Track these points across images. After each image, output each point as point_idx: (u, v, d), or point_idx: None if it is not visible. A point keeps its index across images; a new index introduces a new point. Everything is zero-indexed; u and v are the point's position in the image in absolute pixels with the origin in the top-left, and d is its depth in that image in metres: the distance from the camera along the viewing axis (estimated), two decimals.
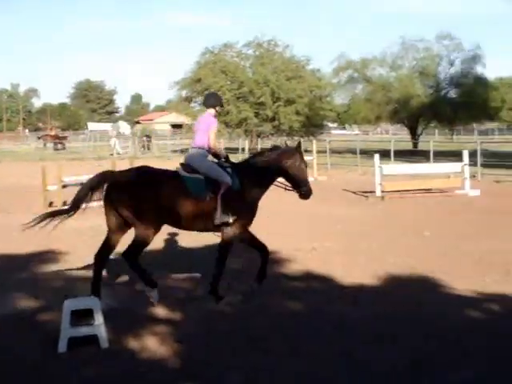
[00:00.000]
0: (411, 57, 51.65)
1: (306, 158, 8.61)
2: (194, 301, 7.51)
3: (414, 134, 52.33)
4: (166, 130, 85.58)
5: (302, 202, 8.07)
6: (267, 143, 50.78)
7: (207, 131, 7.87)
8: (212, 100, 8.20)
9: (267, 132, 50.80)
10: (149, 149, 54.18)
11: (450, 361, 5.61)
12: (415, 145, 48.64)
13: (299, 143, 8.24)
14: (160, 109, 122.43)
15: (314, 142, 29.03)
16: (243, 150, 38.06)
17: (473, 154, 23.55)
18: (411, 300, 7.61)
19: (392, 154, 30.07)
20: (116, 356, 5.80)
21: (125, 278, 8.58)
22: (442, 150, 34.03)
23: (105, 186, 7.31)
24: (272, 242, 8.81)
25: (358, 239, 11.83)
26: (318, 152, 29.06)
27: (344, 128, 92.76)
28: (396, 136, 69.50)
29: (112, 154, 45.84)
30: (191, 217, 7.42)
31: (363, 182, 22.44)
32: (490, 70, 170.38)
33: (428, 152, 28.21)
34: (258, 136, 49.68)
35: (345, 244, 11.28)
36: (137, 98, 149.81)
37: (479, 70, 51.59)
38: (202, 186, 7.45)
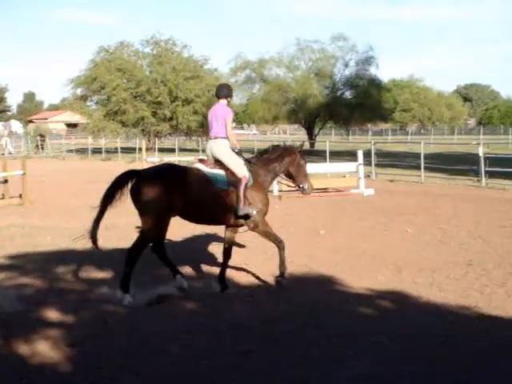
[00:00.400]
0: (307, 58, 52.86)
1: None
2: (87, 303, 7.30)
3: (311, 134, 53.51)
4: (61, 130, 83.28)
5: None
6: (165, 143, 50.50)
7: (224, 120, 8.16)
8: (225, 91, 8.49)
9: (165, 132, 50.42)
10: (42, 148, 52.50)
11: (340, 358, 5.67)
12: (312, 145, 49.68)
13: (302, 144, 8.69)
14: (54, 108, 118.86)
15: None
16: (140, 149, 37.53)
17: (367, 154, 24.30)
18: (306, 298, 7.71)
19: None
20: (4, 362, 5.54)
21: (17, 280, 8.24)
22: (338, 150, 34.89)
23: (131, 182, 7.42)
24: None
25: (253, 239, 11.83)
26: None
27: (242, 128, 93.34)
28: (293, 136, 70.60)
29: (3, 154, 44.14)
30: (216, 210, 7.79)
31: None
32: (384, 72, 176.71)
33: (324, 152, 28.77)
34: (156, 136, 49.20)
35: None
36: (30, 97, 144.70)
37: (373, 71, 53.68)
38: (224, 180, 7.81)
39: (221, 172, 7.87)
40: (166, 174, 7.56)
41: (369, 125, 66.97)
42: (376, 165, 25.52)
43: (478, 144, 22.36)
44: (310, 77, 51.51)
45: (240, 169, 7.90)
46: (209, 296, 7.75)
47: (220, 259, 8.53)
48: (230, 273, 8.66)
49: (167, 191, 7.34)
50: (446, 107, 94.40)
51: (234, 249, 8.63)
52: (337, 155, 30.99)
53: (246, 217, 7.90)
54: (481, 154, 21.27)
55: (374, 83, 53.56)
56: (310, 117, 53.04)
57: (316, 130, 55.56)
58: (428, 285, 8.39)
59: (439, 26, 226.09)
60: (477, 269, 9.21)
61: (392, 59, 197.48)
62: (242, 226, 8.11)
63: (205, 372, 5.37)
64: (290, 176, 8.45)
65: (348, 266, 9.56)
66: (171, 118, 48.79)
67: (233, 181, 7.83)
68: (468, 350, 5.82)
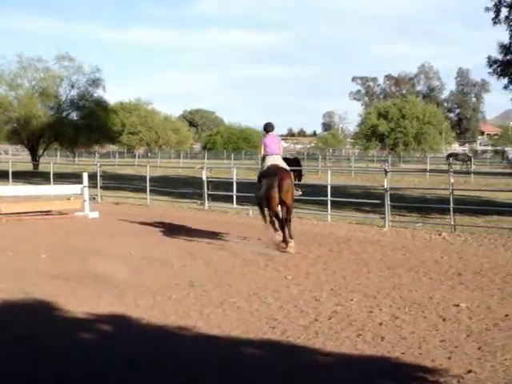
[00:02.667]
0: (31, 76, 50.95)
1: None
2: None
3: (35, 156, 51.64)
4: None
5: None
6: None
7: (278, 144, 14.43)
8: (273, 126, 14.60)
9: None
10: None
11: None
12: (36, 166, 47.86)
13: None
14: None
15: None
16: None
17: (93, 177, 24.03)
18: (21, 327, 7.34)
19: (10, 175, 29.06)
20: None
21: None
22: (63, 172, 34.05)
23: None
24: None
25: None
26: None
27: None
28: (16, 157, 67.37)
29: None
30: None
31: None
32: (112, 95, 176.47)
33: (49, 174, 27.89)
34: None
35: None
36: None
37: (100, 93, 53.46)
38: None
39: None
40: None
41: (96, 147, 66.47)
42: (102, 187, 25.34)
43: (202, 168, 23.30)
44: (34, 96, 49.71)
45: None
46: None
47: None
48: None
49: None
50: (172, 131, 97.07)
51: None
52: (62, 177, 30.19)
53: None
54: (204, 177, 22.20)
55: (101, 105, 53.60)
56: (34, 137, 51.17)
57: (40, 151, 53.72)
58: (150, 307, 8.47)
59: (167, 50, 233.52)
60: (197, 290, 9.52)
61: (121, 82, 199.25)
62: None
63: None
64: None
65: (69, 290, 9.30)
66: None
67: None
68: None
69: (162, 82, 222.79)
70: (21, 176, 33.52)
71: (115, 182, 29.11)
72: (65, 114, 52.89)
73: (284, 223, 13.46)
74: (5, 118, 49.85)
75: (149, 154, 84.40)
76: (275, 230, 13.98)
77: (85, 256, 12.25)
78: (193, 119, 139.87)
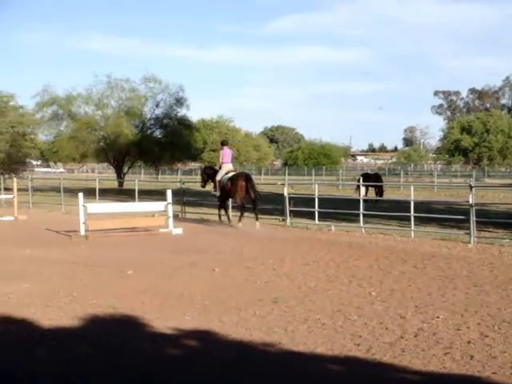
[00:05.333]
0: (117, 96, 52.35)
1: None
2: None
3: (120, 173, 52.97)
4: None
5: None
6: None
7: (230, 156, 21.72)
8: (227, 142, 22.89)
9: None
10: None
11: None
12: (121, 184, 49.20)
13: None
14: None
15: (15, 179, 27.65)
16: None
17: (177, 194, 24.49)
18: (112, 339, 7.53)
19: (97, 192, 29.95)
20: None
21: None
22: (147, 189, 34.85)
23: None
24: None
25: (57, 280, 11.49)
26: (20, 190, 27.91)
27: (49, 166, 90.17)
28: (102, 175, 69.36)
29: None
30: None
31: (67, 221, 22.02)
32: (193, 112, 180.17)
33: (134, 191, 28.62)
34: None
35: (44, 286, 10.86)
36: None
37: (183, 111, 54.49)
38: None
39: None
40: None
41: (178, 164, 67.62)
42: (185, 203, 25.78)
43: (283, 184, 23.38)
44: (120, 115, 51.07)
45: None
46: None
47: None
48: (31, 317, 8.33)
49: None
50: (253, 148, 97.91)
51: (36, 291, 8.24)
52: (146, 194, 30.93)
53: None
54: (285, 193, 22.25)
55: (185, 123, 54.52)
56: (120, 155, 52.43)
57: (125, 169, 55.11)
58: (234, 323, 8.54)
59: (246, 68, 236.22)
60: (281, 306, 9.54)
61: (202, 99, 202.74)
62: None
63: None
64: None
65: (155, 306, 9.49)
66: None
67: None
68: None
69: (243, 99, 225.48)
70: (107, 193, 34.51)
71: (198, 199, 29.55)
72: (149, 132, 54.08)
73: (246, 211, 21.53)
74: (92, 137, 51.41)
75: None
76: (228, 220, 21.77)
77: (169, 272, 12.49)
78: (273, 136, 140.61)
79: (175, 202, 22.53)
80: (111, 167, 60.38)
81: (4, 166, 47.85)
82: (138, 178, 30.38)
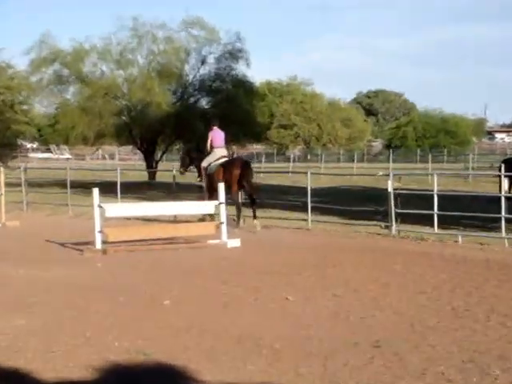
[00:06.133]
0: (147, 49, 52.28)
1: None
2: None
3: (151, 161, 52.99)
4: None
5: None
6: None
7: (222, 138, 24.76)
8: (217, 120, 25.56)
9: None
10: None
11: None
12: (152, 175, 49.37)
13: None
14: None
15: (1, 169, 27.62)
16: None
17: None
18: None
19: (119, 187, 30.14)
20: None
21: None
22: (189, 183, 34.86)
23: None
24: None
25: (64, 312, 11.66)
26: (9, 185, 28.53)
27: (49, 150, 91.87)
28: (125, 163, 70.03)
29: None
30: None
31: (76, 228, 22.48)
32: (255, 72, 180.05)
33: (170, 185, 28.78)
34: None
35: (45, 321, 11.04)
36: None
37: (241, 70, 53.74)
38: None
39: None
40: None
41: (234, 147, 67.61)
42: (244, 204, 25.83)
43: (386, 175, 23.17)
44: (151, 76, 50.86)
45: None
46: None
47: None
48: (27, 367, 8.47)
49: None
50: (341, 123, 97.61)
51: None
52: (188, 190, 31.02)
53: None
54: (390, 189, 22.05)
55: (244, 87, 53.86)
56: (150, 134, 52.26)
57: (158, 155, 55.25)
58: (318, 376, 8.50)
59: (330, 7, 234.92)
60: (386, 353, 9.45)
61: (266, 55, 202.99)
62: None
63: None
64: None
65: (204, 351, 9.53)
66: None
67: None
68: None
69: (323, 52, 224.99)
70: (132, 189, 34.94)
71: (262, 197, 29.60)
72: (192, 100, 53.99)
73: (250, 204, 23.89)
74: (111, 108, 51.00)
75: (308, 156, 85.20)
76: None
77: (223, 302, 12.53)
78: (371, 105, 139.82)
79: (231, 200, 22.64)
80: (138, 152, 60.83)
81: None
82: (175, 168, 30.34)
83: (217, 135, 24.76)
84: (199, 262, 17.42)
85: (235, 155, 75.61)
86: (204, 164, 24.53)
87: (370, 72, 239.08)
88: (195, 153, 26.24)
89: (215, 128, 24.89)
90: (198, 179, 25.46)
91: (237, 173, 23.28)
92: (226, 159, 24.76)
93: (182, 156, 27.80)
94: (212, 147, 24.58)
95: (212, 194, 23.39)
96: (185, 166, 26.58)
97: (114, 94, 51.48)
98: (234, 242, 19.79)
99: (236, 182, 23.35)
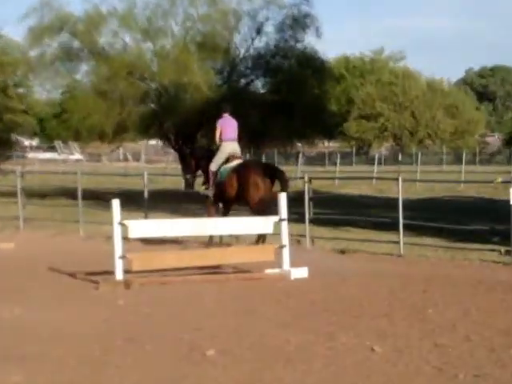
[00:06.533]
0: (183, 14, 52.17)
1: None
2: None
3: (188, 163, 52.89)
4: None
5: None
6: None
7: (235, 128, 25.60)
8: (228, 107, 26.07)
9: None
10: None
11: None
12: (190, 182, 49.32)
13: None
14: None
15: None
16: None
17: (296, 200, 24.52)
18: None
19: (146, 198, 30.28)
20: None
21: None
22: None
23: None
24: None
25: (73, 367, 11.70)
26: (2, 195, 28.82)
27: (53, 149, 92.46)
28: (154, 165, 70.39)
29: None
30: None
31: (90, 253, 22.61)
32: (327, 45, 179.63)
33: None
34: None
35: (49, 379, 11.10)
36: None
37: (309, 42, 53.31)
38: None
39: None
40: None
41: (299, 144, 67.25)
42: (313, 221, 25.76)
43: (507, 182, 22.97)
44: (188, 49, 50.48)
45: None
46: None
47: None
48: None
49: None
50: (445, 111, 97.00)
51: None
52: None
53: None
54: None
55: (313, 66, 53.40)
56: (188, 128, 52.07)
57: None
58: None
59: None
60: None
61: (341, 24, 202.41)
62: None
63: None
64: None
65: None
66: None
67: None
68: None
69: (420, 18, 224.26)
70: (164, 200, 35.04)
71: (337, 211, 29.53)
72: (243, 82, 53.86)
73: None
74: (136, 92, 50.64)
75: (399, 157, 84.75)
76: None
77: (286, 354, 12.50)
78: (485, 87, 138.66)
79: (293, 216, 22.59)
80: (171, 150, 60.87)
81: None
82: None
83: (228, 125, 25.36)
84: (253, 298, 17.41)
85: (300, 156, 76.15)
86: (212, 167, 24.58)
87: (485, 42, 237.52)
88: (202, 152, 26.76)
89: (226, 116, 25.63)
90: (203, 187, 25.60)
91: (257, 180, 23.47)
92: (239, 161, 24.96)
93: (188, 159, 28.13)
94: (221, 140, 24.98)
95: (215, 209, 24.69)
96: (192, 172, 27.24)
97: (140, 73, 51.31)
98: (300, 272, 19.73)
99: (258, 192, 23.38)
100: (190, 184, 48.91)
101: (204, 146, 29.08)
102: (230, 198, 23.76)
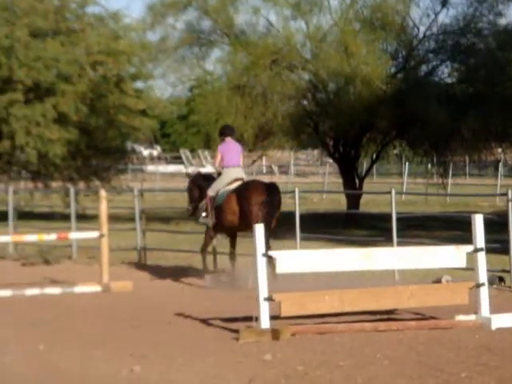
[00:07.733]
0: None
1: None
2: None
3: (352, 176, 52.71)
4: None
5: None
6: None
7: (239, 153, 27.54)
8: (232, 129, 28.69)
9: None
10: None
11: None
12: (354, 201, 49.45)
13: None
14: None
15: (103, 194, 27.80)
16: None
17: (496, 223, 24.27)
18: None
19: (298, 222, 30.33)
20: None
21: None
22: (427, 214, 34.74)
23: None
24: None
25: None
26: (115, 218, 29.16)
27: (179, 160, 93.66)
28: (307, 180, 71.18)
29: None
30: None
31: (226, 292, 22.64)
32: None
33: (384, 217, 28.85)
34: None
35: None
36: None
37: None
38: None
39: None
40: None
41: (498, 149, 66.35)
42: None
43: None
44: (354, 30, 50.21)
45: None
46: None
47: None
48: None
49: None
50: None
51: None
52: (425, 225, 30.99)
53: None
54: None
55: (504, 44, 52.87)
56: (351, 131, 51.86)
57: (364, 166, 55.33)
58: None
59: None
60: None
61: None
62: None
63: None
64: None
65: None
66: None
67: None
68: None
69: None
70: (320, 224, 35.16)
71: None
72: (424, 69, 53.64)
73: None
74: (284, 86, 50.49)
75: None
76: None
77: None
78: None
79: (493, 244, 22.33)
80: (329, 160, 61.08)
81: (73, 162, 49.35)
82: (394, 186, 30.02)
83: (230, 149, 26.89)
84: (443, 355, 17.14)
85: (501, 165, 75.32)
86: (210, 192, 26.17)
87: None
88: (205, 180, 27.66)
89: (228, 140, 27.26)
90: (204, 214, 26.43)
91: (259, 201, 24.92)
92: (239, 183, 26.40)
93: (188, 187, 28.82)
94: (223, 167, 26.64)
95: (212, 237, 26.26)
96: (194, 202, 27.70)
97: (289, 61, 51.21)
98: (504, 320, 19.41)
99: (258, 215, 24.53)
100: (355, 203, 48.93)
101: (209, 174, 29.45)
102: (228, 224, 25.01)
